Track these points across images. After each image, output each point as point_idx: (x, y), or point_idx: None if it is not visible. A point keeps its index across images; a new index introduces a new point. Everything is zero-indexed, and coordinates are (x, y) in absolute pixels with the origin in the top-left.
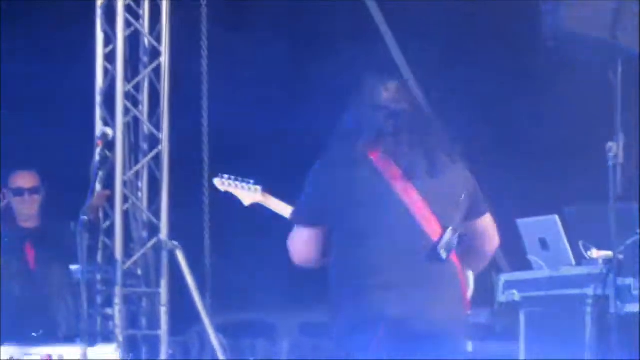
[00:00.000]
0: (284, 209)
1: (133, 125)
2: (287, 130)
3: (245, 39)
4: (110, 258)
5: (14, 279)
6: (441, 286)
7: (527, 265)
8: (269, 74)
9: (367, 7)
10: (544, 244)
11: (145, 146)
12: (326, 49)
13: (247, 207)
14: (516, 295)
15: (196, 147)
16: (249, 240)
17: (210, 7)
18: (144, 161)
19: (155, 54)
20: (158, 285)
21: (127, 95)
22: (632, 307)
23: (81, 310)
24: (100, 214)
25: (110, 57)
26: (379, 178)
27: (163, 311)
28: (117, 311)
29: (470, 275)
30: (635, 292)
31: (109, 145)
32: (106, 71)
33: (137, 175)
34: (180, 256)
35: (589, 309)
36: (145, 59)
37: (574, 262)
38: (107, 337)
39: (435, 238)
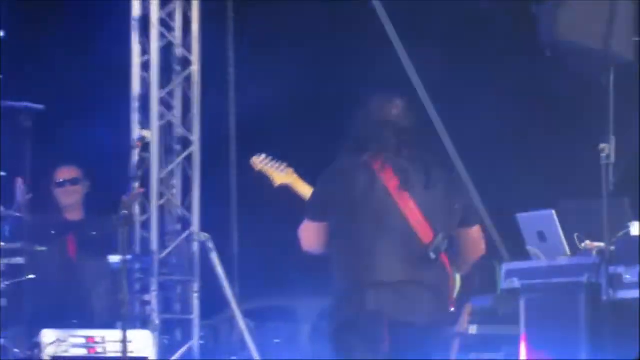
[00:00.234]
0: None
1: (167, 128)
2: (311, 131)
3: (269, 52)
4: (147, 249)
5: (55, 268)
6: (429, 282)
7: (526, 256)
8: (293, 79)
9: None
10: (541, 236)
11: (178, 147)
12: (345, 57)
13: (270, 202)
14: (516, 283)
15: (224, 148)
16: (272, 233)
17: (237, 20)
18: (178, 161)
19: (186, 62)
20: (191, 273)
21: (162, 101)
22: (623, 294)
23: (121, 296)
24: (136, 209)
25: (145, 66)
26: (379, 185)
27: (195, 297)
28: (153, 297)
29: (457, 277)
30: (626, 279)
31: (146, 146)
32: (142, 79)
33: (171, 173)
34: (211, 247)
35: (583, 296)
36: (177, 67)
37: (569, 252)
38: (145, 321)
39: (426, 241)
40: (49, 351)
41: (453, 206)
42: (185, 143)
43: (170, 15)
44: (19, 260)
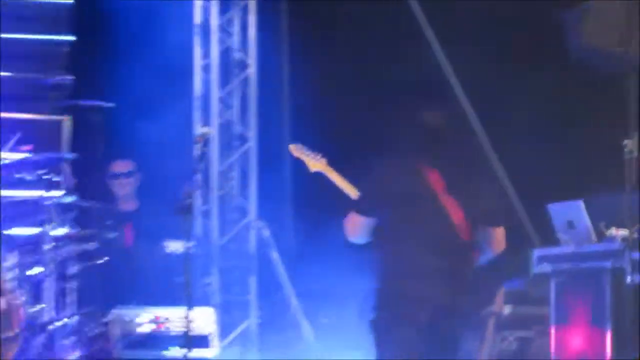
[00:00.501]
0: (342, 183)
1: (226, 126)
2: (364, 131)
3: (320, 53)
4: (208, 235)
5: (113, 255)
6: (465, 273)
7: (556, 242)
8: (343, 78)
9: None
10: (570, 224)
11: (236, 143)
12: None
13: (320, 192)
14: (547, 267)
15: (279, 144)
16: (322, 222)
17: (290, 25)
18: (236, 155)
19: (244, 65)
20: (249, 257)
21: (221, 100)
22: None
23: (185, 278)
24: (197, 199)
25: (205, 69)
26: (426, 188)
27: (252, 280)
28: (215, 280)
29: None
30: None
31: (207, 142)
32: (203, 80)
33: (230, 167)
34: (266, 234)
35: (608, 279)
36: (235, 70)
37: (595, 239)
38: (206, 301)
39: (465, 238)
40: (119, 328)
41: (489, 208)
42: (243, 139)
43: (229, 21)
44: (92, 245)
